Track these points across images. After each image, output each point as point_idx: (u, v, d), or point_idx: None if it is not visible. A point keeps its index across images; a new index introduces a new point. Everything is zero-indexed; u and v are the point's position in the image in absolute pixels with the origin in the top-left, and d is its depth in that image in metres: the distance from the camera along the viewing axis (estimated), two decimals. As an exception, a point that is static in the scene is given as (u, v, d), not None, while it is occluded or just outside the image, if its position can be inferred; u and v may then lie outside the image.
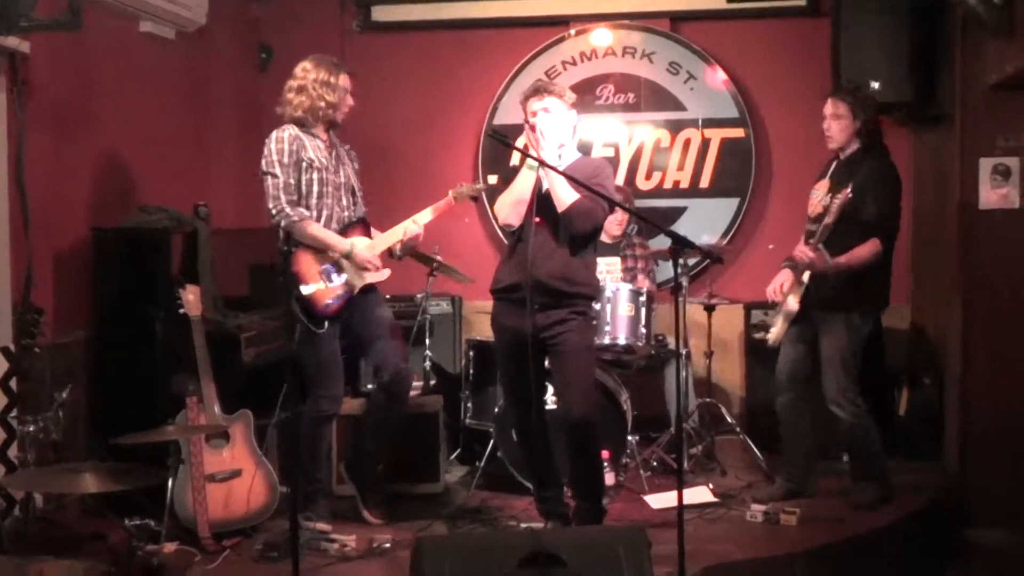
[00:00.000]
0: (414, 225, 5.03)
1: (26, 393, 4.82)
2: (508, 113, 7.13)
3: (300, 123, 4.93)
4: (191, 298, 4.87)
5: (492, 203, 6.86)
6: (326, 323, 4.86)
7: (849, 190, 5.00)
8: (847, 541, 4.93)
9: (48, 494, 4.71)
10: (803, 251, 5.14)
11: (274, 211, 4.80)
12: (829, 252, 5.10)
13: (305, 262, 4.86)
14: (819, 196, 5.32)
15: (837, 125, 5.26)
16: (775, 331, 5.32)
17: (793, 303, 5.22)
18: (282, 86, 5.05)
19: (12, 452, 4.73)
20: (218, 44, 6.73)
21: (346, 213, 5.01)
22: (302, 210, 4.85)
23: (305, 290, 4.80)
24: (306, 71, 4.95)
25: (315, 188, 4.90)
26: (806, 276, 5.19)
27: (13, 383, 4.76)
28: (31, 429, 4.52)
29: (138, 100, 5.89)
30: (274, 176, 4.81)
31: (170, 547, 4.51)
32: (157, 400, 5.10)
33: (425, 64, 7.32)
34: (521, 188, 4.65)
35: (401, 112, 7.28)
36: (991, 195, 5.86)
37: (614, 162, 7.02)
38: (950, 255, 6.10)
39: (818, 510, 5.21)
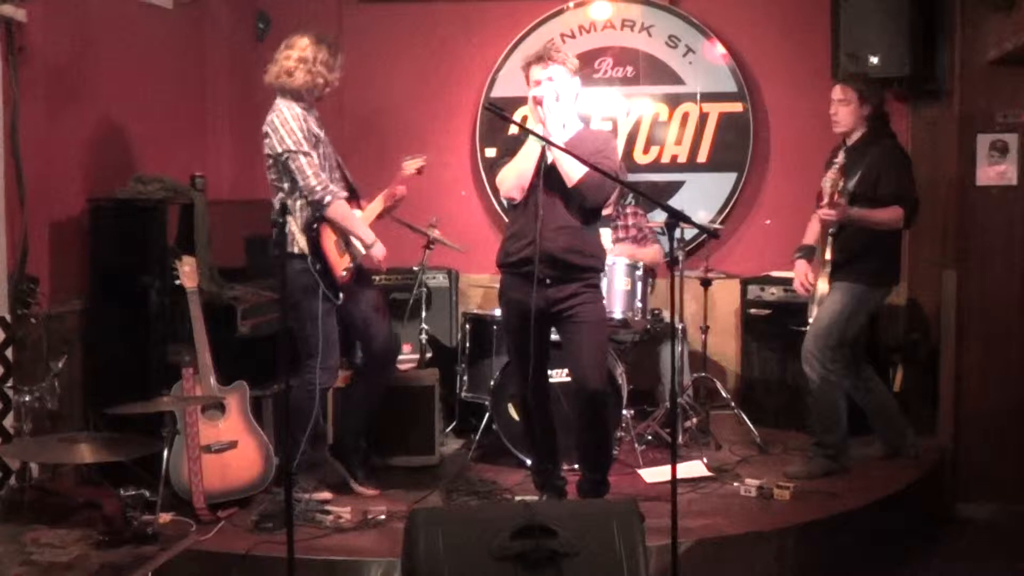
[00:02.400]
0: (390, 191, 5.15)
1: (22, 363, 4.82)
2: (506, 85, 7.10)
3: (295, 96, 4.91)
4: (187, 269, 4.88)
5: (491, 176, 6.87)
6: (340, 294, 4.93)
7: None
8: (840, 516, 4.94)
9: (44, 464, 4.72)
10: (825, 213, 5.14)
11: (319, 188, 4.80)
12: (846, 235, 5.21)
13: (326, 235, 4.91)
14: (829, 182, 5.33)
15: (845, 110, 5.31)
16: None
17: (824, 286, 5.29)
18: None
19: (8, 422, 4.73)
20: (215, 13, 6.69)
21: (341, 186, 5.04)
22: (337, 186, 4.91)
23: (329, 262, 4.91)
24: (306, 48, 4.92)
25: (323, 164, 4.93)
26: (828, 254, 5.24)
27: (9, 353, 4.77)
28: (27, 399, 4.53)
29: (135, 69, 5.86)
30: (307, 154, 4.82)
31: (165, 517, 4.52)
32: (153, 371, 5.11)
33: (423, 35, 7.28)
34: (525, 161, 4.60)
35: (398, 84, 7.25)
36: (988, 171, 5.85)
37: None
38: (947, 231, 6.10)
39: (812, 485, 5.23)
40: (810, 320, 5.42)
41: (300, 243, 4.86)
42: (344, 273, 4.94)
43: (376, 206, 5.13)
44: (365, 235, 4.96)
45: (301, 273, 4.86)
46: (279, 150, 4.83)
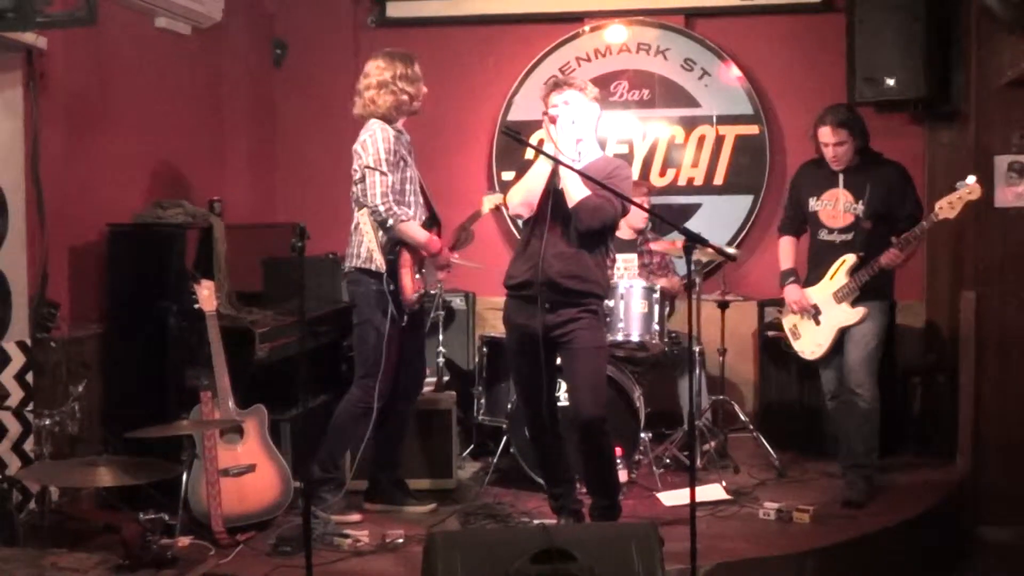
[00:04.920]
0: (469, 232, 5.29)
1: (42, 387, 4.86)
2: (522, 109, 7.14)
3: (386, 119, 4.98)
4: (206, 293, 4.90)
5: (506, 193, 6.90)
6: (406, 317, 4.99)
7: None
8: (859, 539, 4.91)
9: (63, 487, 4.74)
10: (894, 256, 5.13)
11: (383, 208, 4.85)
12: (862, 252, 5.24)
13: (404, 259, 4.97)
14: (837, 206, 5.35)
15: (843, 149, 5.31)
16: (825, 343, 5.37)
17: (855, 313, 5.26)
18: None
19: (28, 445, 4.76)
20: (233, 39, 6.74)
21: (422, 211, 5.10)
22: (406, 209, 4.95)
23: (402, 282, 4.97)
24: (382, 69, 5.00)
25: (407, 187, 5.00)
26: (856, 280, 5.24)
27: (29, 377, 4.80)
28: (47, 423, 4.54)
29: (153, 95, 5.91)
30: (383, 174, 4.87)
31: (184, 541, 4.53)
32: (171, 394, 5.13)
33: (439, 60, 7.29)
34: (534, 178, 4.63)
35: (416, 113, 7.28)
36: (1006, 193, 5.85)
37: (628, 159, 7.02)
38: (965, 253, 6.09)
39: (830, 508, 5.21)
40: (821, 344, 5.38)
41: (378, 262, 4.91)
42: (414, 297, 5.00)
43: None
44: (432, 243, 5.02)
45: (375, 291, 4.93)
46: (362, 165, 4.91)
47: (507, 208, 4.93)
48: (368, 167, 4.88)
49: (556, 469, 4.92)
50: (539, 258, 4.57)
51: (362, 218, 4.96)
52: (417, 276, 5.05)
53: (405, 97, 5.01)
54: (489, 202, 5.31)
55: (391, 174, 4.89)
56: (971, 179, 5.02)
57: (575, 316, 4.60)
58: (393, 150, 4.92)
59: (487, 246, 7.03)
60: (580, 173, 4.49)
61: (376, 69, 5.01)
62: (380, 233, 4.93)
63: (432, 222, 5.16)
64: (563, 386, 5.13)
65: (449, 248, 5.22)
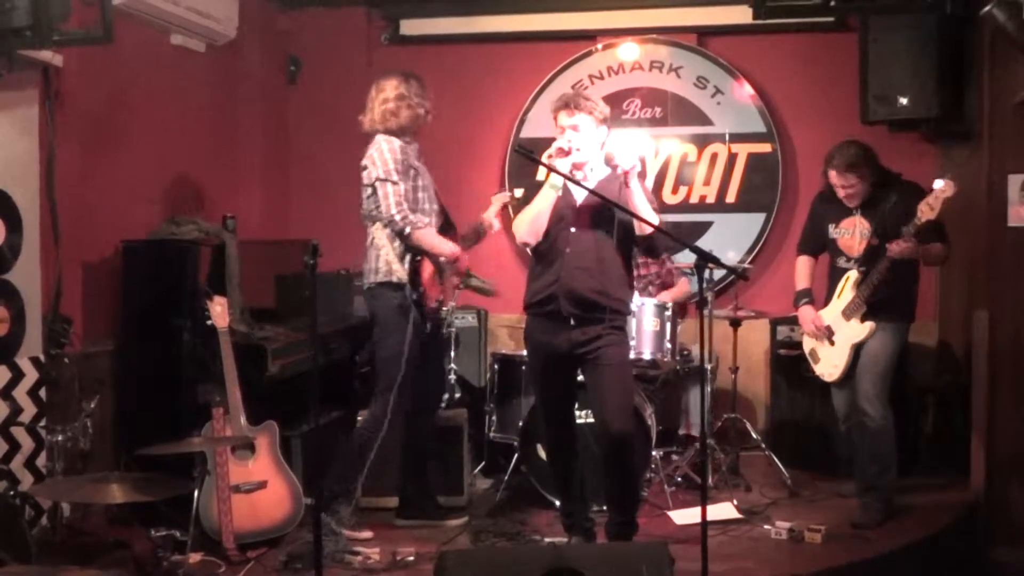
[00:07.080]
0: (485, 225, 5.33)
1: (55, 402, 4.87)
2: (535, 127, 7.16)
3: (399, 134, 5.04)
4: (219, 309, 4.92)
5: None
6: (428, 325, 5.03)
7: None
8: (872, 560, 4.90)
9: (75, 503, 4.75)
10: (900, 245, 5.06)
11: (399, 216, 4.90)
12: (872, 271, 5.19)
13: (425, 266, 5.01)
14: (854, 234, 5.34)
15: (853, 191, 5.29)
16: (841, 363, 5.34)
17: (864, 328, 5.25)
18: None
19: (41, 461, 4.77)
20: (247, 57, 6.78)
21: (437, 217, 5.15)
22: (422, 217, 4.98)
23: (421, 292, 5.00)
24: (399, 86, 5.09)
25: (419, 195, 5.04)
26: (861, 296, 5.23)
27: (42, 393, 4.81)
28: (59, 439, 4.57)
29: (168, 112, 5.95)
30: (395, 183, 4.93)
31: (195, 557, 4.54)
32: (184, 411, 5.14)
33: (452, 77, 7.33)
34: (539, 207, 4.63)
35: (428, 125, 7.29)
36: (1020, 212, 5.82)
37: (640, 176, 6.99)
38: (978, 272, 6.07)
39: (842, 528, 5.19)
40: (837, 364, 5.36)
41: (398, 273, 4.94)
42: (435, 304, 5.06)
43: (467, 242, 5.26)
44: (450, 250, 5.07)
45: (396, 304, 4.94)
46: (372, 178, 4.95)
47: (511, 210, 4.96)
48: (379, 179, 4.94)
49: (571, 486, 4.92)
50: (561, 272, 4.59)
51: (376, 232, 4.99)
52: (439, 283, 5.08)
53: (422, 111, 5.11)
54: (497, 201, 5.37)
55: (402, 183, 4.93)
56: (940, 182, 5.03)
57: (601, 333, 4.60)
58: (401, 160, 4.97)
59: (498, 266, 7.04)
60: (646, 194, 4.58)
61: (392, 87, 5.09)
62: (396, 243, 4.96)
63: (448, 227, 5.20)
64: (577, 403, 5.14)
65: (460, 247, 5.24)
